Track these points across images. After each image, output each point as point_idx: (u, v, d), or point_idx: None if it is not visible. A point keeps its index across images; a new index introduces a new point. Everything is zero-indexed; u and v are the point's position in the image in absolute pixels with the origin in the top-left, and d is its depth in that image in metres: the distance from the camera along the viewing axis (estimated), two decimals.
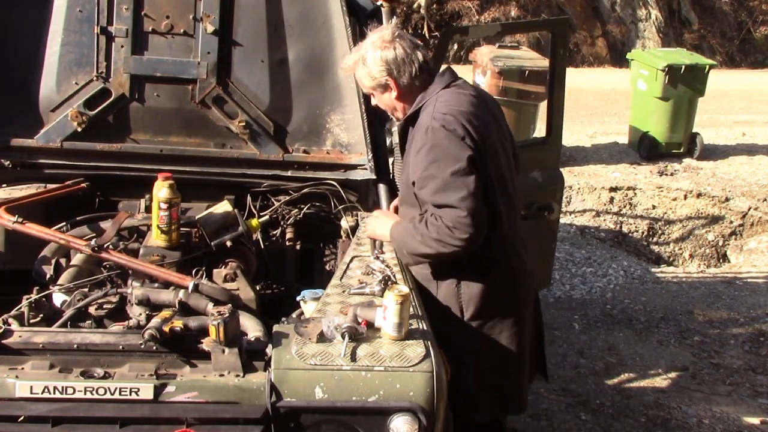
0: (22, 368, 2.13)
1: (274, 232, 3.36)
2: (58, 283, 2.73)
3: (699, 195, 8.35)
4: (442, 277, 2.71)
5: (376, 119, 3.38)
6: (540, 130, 7.73)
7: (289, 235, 3.30)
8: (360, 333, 2.20)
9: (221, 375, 2.12)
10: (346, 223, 3.21)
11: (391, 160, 3.48)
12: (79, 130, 3.30)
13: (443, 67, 2.80)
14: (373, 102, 2.84)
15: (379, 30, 2.69)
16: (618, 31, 17.56)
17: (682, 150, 9.57)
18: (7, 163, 3.30)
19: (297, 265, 3.32)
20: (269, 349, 2.16)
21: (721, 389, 4.85)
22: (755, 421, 4.49)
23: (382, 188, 3.29)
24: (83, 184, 3.27)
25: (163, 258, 2.79)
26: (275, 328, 2.25)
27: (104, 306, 2.61)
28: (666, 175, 8.96)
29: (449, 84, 2.67)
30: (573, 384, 4.76)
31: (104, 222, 3.08)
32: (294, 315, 2.54)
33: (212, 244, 2.90)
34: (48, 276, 2.82)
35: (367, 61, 2.65)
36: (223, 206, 3.04)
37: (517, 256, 2.79)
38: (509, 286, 2.75)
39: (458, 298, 2.70)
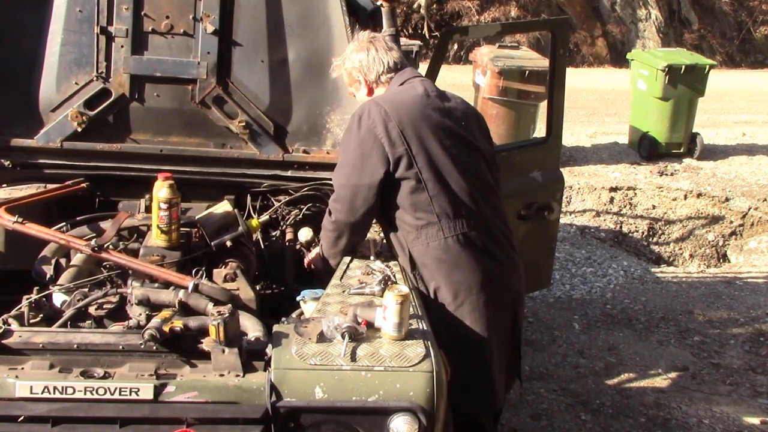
0: (22, 368, 2.13)
1: (274, 233, 3.36)
2: (58, 283, 2.72)
3: (699, 195, 8.35)
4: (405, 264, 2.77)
5: None
6: (540, 130, 7.73)
7: (288, 236, 3.30)
8: (360, 333, 2.20)
9: (221, 375, 2.12)
10: None
11: None
12: (79, 130, 3.30)
13: (408, 67, 2.93)
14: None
15: (361, 33, 2.99)
16: (618, 31, 17.56)
17: (682, 150, 9.57)
18: (7, 163, 3.30)
19: (297, 265, 3.32)
20: (269, 349, 2.16)
21: (721, 389, 4.85)
22: (755, 421, 4.49)
23: None
24: (83, 184, 3.27)
25: (163, 258, 2.78)
26: (275, 328, 2.25)
27: (104, 306, 2.61)
28: (666, 175, 8.97)
29: (403, 82, 2.85)
30: (573, 384, 4.76)
31: (104, 222, 3.08)
32: (294, 315, 2.54)
33: (212, 244, 2.90)
34: (48, 276, 2.82)
35: (346, 61, 2.92)
36: (223, 206, 3.04)
37: (493, 245, 2.77)
38: (476, 274, 2.71)
39: (423, 283, 2.74)
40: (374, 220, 2.87)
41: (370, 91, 2.89)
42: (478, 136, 2.89)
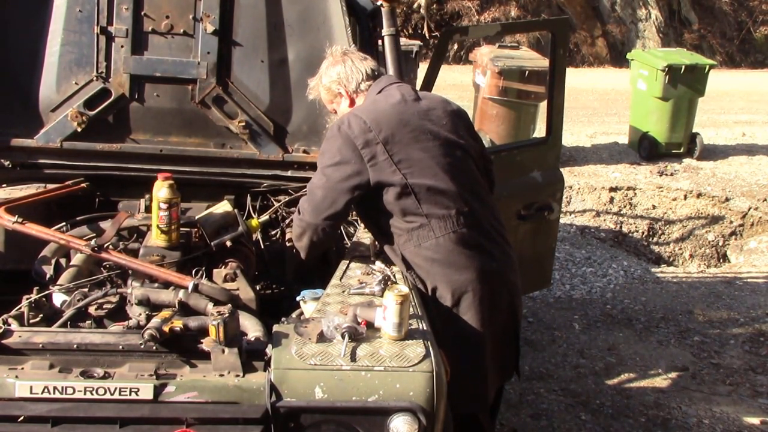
0: (22, 368, 2.13)
1: (274, 232, 3.36)
2: (58, 283, 2.72)
3: (699, 195, 8.35)
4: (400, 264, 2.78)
5: None
6: (540, 130, 7.74)
7: (288, 236, 3.30)
8: (360, 333, 2.20)
9: (221, 375, 2.12)
10: None
11: None
12: (79, 130, 3.30)
13: (384, 75, 2.95)
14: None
15: (333, 48, 3.00)
16: (618, 31, 17.56)
17: (682, 150, 9.57)
18: (7, 163, 3.30)
19: (297, 265, 3.31)
20: (269, 349, 2.16)
21: (721, 389, 4.85)
22: (755, 421, 4.49)
23: None
24: (83, 184, 3.27)
25: (163, 258, 2.78)
26: (275, 328, 2.25)
27: (104, 306, 2.61)
28: (666, 175, 8.97)
29: (381, 90, 2.85)
30: (573, 384, 4.76)
31: (104, 222, 3.08)
32: (294, 315, 2.54)
33: (212, 244, 2.90)
34: (48, 276, 2.82)
35: (323, 78, 2.93)
36: (223, 206, 3.04)
37: (485, 240, 2.78)
38: (471, 270, 2.72)
39: (421, 282, 2.75)
40: (366, 230, 2.89)
41: (352, 102, 2.89)
42: (462, 133, 2.88)
